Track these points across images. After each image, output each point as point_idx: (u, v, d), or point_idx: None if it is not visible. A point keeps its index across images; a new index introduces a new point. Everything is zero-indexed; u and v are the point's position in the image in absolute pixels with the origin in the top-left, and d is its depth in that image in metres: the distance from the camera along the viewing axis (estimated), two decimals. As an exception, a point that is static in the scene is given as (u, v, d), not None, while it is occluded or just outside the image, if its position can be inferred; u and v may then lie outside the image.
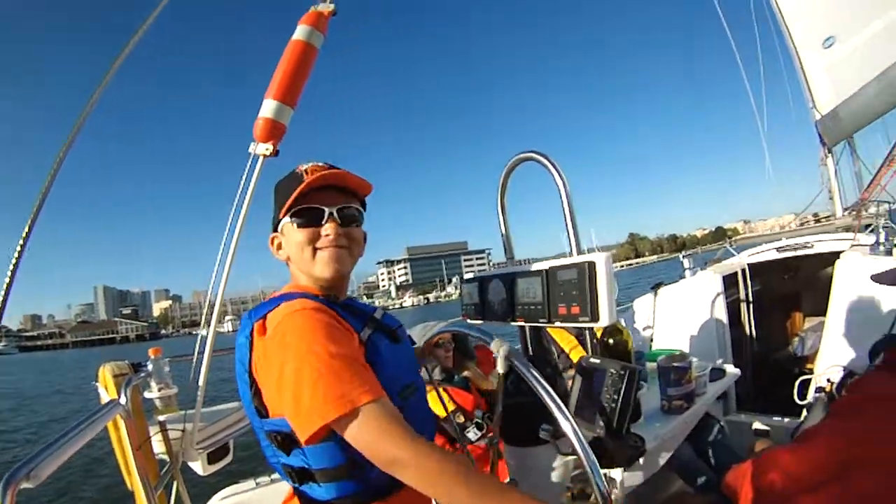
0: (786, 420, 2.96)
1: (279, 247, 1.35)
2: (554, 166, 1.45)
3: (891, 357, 1.62)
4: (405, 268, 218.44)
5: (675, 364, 1.86)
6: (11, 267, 1.41)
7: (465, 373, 2.56)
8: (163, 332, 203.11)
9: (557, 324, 1.37)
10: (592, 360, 1.38)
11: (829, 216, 5.32)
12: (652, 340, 3.73)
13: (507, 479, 1.60)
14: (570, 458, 1.46)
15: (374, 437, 0.99)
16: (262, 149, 1.97)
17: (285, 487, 1.28)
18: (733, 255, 4.49)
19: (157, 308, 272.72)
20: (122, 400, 1.95)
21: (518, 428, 1.48)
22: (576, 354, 2.48)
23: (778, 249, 4.04)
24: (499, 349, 1.21)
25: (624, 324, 3.89)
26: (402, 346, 1.37)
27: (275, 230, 1.36)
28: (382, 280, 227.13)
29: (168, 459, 2.21)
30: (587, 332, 1.56)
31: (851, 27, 4.16)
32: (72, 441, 1.38)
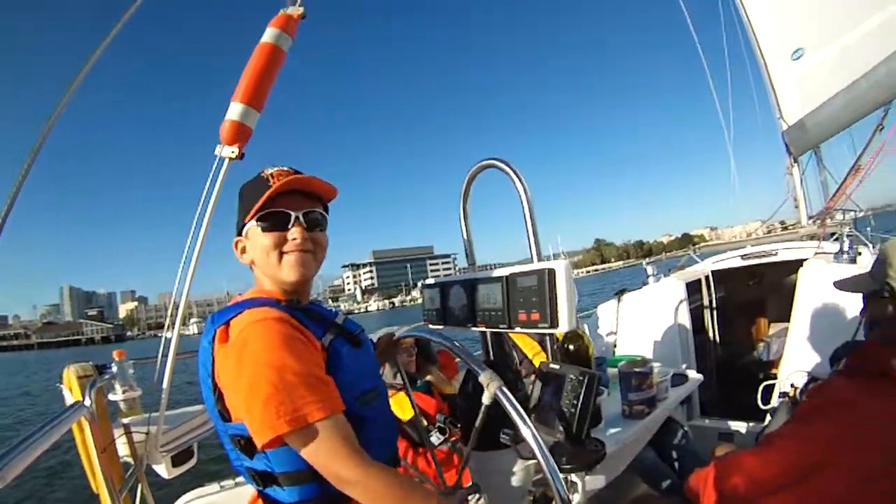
0: (750, 424, 3.00)
1: (243, 250, 1.35)
2: (515, 173, 1.46)
3: (852, 363, 1.64)
4: (371, 271, 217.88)
5: (635, 369, 1.88)
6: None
7: (428, 377, 2.56)
8: (128, 334, 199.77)
9: (518, 330, 1.38)
10: (552, 365, 1.39)
11: (795, 224, 5.41)
12: (615, 346, 3.74)
13: (470, 484, 1.61)
14: (532, 462, 1.47)
15: (322, 454, 1.05)
16: (228, 151, 1.95)
17: (250, 491, 1.29)
18: (697, 263, 4.54)
19: (124, 309, 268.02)
20: (87, 402, 1.94)
21: (481, 432, 1.49)
22: (538, 360, 2.50)
23: (742, 257, 4.08)
24: (489, 383, 1.20)
25: (588, 329, 3.93)
26: (364, 351, 1.37)
27: (239, 234, 1.34)
28: (348, 283, 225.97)
29: (133, 462, 2.18)
30: (548, 338, 1.57)
31: (820, 41, 4.24)
32: (36, 443, 1.37)
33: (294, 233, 1.28)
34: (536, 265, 1.32)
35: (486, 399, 1.21)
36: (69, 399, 2.04)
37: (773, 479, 1.43)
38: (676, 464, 2.35)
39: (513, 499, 1.56)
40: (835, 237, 3.86)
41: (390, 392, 1.64)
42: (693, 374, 2.36)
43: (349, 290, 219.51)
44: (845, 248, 3.03)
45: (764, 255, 3.94)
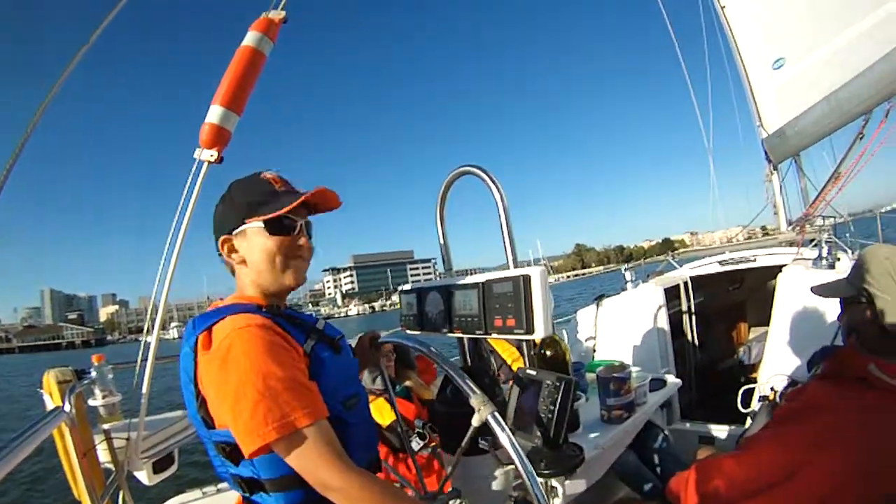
0: (731, 428, 3.02)
1: (232, 249, 1.31)
2: (492, 180, 1.47)
3: (829, 368, 1.67)
4: (351, 276, 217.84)
5: (614, 375, 1.89)
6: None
7: (407, 382, 2.56)
8: (109, 338, 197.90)
9: (494, 335, 1.39)
10: (529, 371, 1.40)
11: (775, 229, 5.46)
12: (595, 351, 3.76)
13: (450, 489, 1.61)
14: (512, 467, 1.48)
15: (308, 461, 1.05)
16: (207, 155, 1.93)
17: (232, 497, 1.29)
18: (676, 268, 4.57)
19: (104, 313, 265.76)
20: (67, 407, 1.92)
21: (459, 437, 1.49)
22: (517, 366, 2.51)
23: (720, 263, 4.12)
24: (480, 406, 1.21)
25: (567, 335, 3.93)
26: (344, 356, 1.38)
27: (228, 232, 1.31)
28: (328, 288, 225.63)
29: (114, 468, 2.16)
30: (524, 343, 1.58)
31: (801, 50, 4.27)
32: (17, 449, 1.37)
33: (301, 241, 1.33)
34: (512, 271, 1.33)
35: (475, 421, 1.22)
36: (49, 404, 2.02)
37: (753, 481, 1.45)
38: (658, 467, 2.37)
39: (494, 503, 1.56)
40: (814, 243, 3.90)
41: (370, 397, 1.64)
42: (671, 379, 2.38)
43: (329, 294, 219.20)
44: (824, 253, 3.06)
45: (742, 262, 3.99)
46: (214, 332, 1.16)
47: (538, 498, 1.11)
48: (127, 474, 2.20)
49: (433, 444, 2.16)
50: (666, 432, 2.50)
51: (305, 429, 1.05)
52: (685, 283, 4.04)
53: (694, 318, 4.07)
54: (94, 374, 2.26)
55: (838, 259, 3.11)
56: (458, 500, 1.57)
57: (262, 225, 1.27)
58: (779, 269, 3.10)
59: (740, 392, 2.66)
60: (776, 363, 2.74)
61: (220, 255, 1.34)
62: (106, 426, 2.18)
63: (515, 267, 1.42)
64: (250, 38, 2.06)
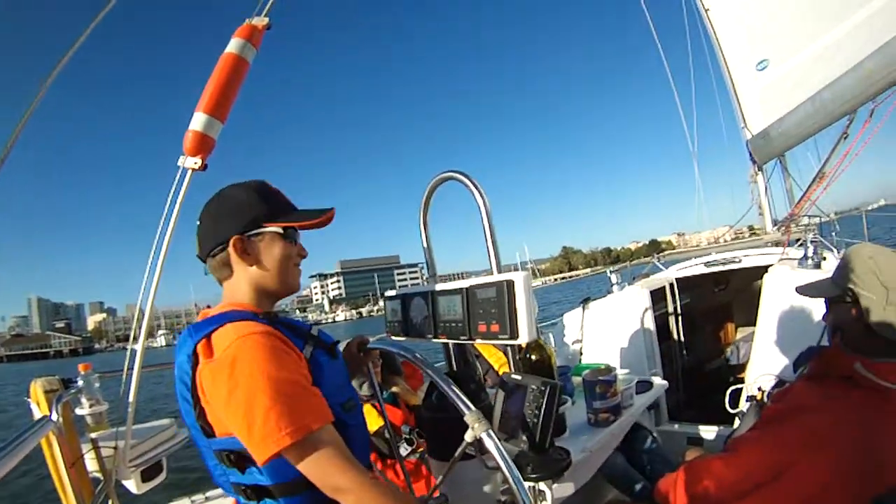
0: (719, 428, 3.04)
1: (244, 251, 1.31)
2: (474, 185, 1.47)
3: (815, 368, 1.67)
4: (338, 281, 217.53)
5: (600, 378, 1.90)
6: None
7: (394, 388, 2.56)
8: (96, 346, 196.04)
9: (479, 341, 1.40)
10: (514, 376, 1.40)
11: (761, 229, 5.49)
12: (581, 354, 3.76)
13: (438, 495, 1.60)
14: (498, 472, 1.48)
15: (319, 465, 1.05)
16: (191, 162, 1.93)
17: None
18: (661, 270, 4.58)
19: (92, 321, 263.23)
20: (54, 416, 1.92)
21: (445, 443, 1.49)
22: (504, 371, 2.51)
23: (706, 264, 4.14)
24: (475, 423, 1.21)
25: (553, 338, 3.93)
26: (339, 361, 1.41)
27: (241, 233, 1.31)
28: (316, 294, 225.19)
29: (102, 478, 2.14)
30: (509, 348, 1.58)
31: (785, 52, 4.31)
32: (5, 459, 1.36)
33: (302, 249, 1.41)
34: (495, 277, 1.34)
35: (468, 437, 1.21)
36: (37, 413, 2.01)
37: (741, 482, 1.46)
38: (646, 469, 2.37)
39: (483, 507, 1.56)
40: (799, 243, 3.92)
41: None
42: (658, 381, 2.39)
43: (317, 300, 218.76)
44: (809, 253, 3.08)
45: (728, 263, 4.01)
46: (215, 340, 1.15)
47: (524, 501, 1.12)
48: (115, 483, 2.18)
49: (421, 449, 2.16)
50: (654, 434, 2.51)
51: (317, 433, 1.06)
52: (671, 285, 4.06)
53: (680, 319, 4.09)
54: (80, 382, 2.24)
55: (824, 258, 3.12)
56: None
57: (281, 231, 1.33)
58: (764, 269, 3.11)
59: (728, 393, 2.67)
60: (763, 363, 2.75)
61: (210, 256, 1.33)
62: (93, 435, 2.17)
63: (499, 272, 1.43)
64: (233, 45, 2.05)
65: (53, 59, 1.86)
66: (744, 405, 2.61)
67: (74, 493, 1.89)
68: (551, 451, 1.35)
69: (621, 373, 2.11)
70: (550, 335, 4.04)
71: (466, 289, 1.40)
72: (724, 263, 4.02)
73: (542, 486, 1.54)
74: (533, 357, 1.69)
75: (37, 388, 2.07)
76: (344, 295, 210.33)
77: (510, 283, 1.26)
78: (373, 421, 2.34)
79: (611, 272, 4.29)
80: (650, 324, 3.59)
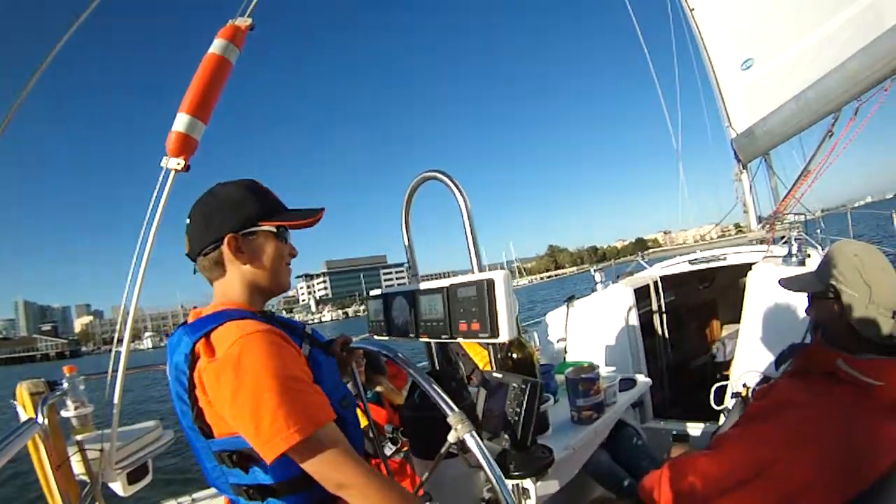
0: (705, 425, 3.05)
1: (238, 249, 1.30)
2: (455, 185, 1.48)
3: (798, 364, 1.68)
4: (324, 282, 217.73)
5: (582, 376, 1.90)
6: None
7: (378, 388, 2.56)
8: (83, 349, 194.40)
9: (460, 340, 1.40)
10: (495, 374, 1.41)
11: (747, 226, 5.53)
12: (566, 353, 3.77)
13: (422, 494, 1.61)
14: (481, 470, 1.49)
15: (325, 461, 1.06)
16: (174, 163, 1.91)
17: None
18: (646, 268, 4.60)
19: (79, 324, 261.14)
20: (39, 419, 1.92)
21: (428, 442, 1.49)
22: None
23: (690, 262, 4.16)
24: (458, 424, 1.21)
25: (538, 336, 3.94)
26: (333, 360, 1.41)
27: (236, 231, 1.30)
28: (302, 294, 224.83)
29: (88, 480, 2.14)
30: (491, 347, 1.59)
31: (769, 51, 4.34)
32: None
33: (292, 249, 1.41)
34: (476, 276, 1.34)
35: (451, 438, 1.21)
36: (23, 416, 2.01)
37: (725, 479, 1.46)
38: (632, 466, 2.38)
39: (466, 506, 1.57)
40: (784, 240, 3.94)
41: None
42: (641, 378, 2.40)
43: (303, 300, 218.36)
44: (794, 250, 3.10)
45: (712, 260, 4.03)
46: (215, 339, 1.14)
47: (507, 501, 1.12)
48: (102, 486, 2.18)
49: (405, 448, 2.17)
50: (639, 431, 2.52)
51: (323, 430, 1.06)
52: (655, 283, 4.07)
53: (665, 317, 4.10)
54: (65, 385, 2.25)
55: (808, 256, 3.14)
56: None
57: (275, 230, 1.34)
58: (749, 266, 3.12)
59: (713, 389, 2.68)
60: (747, 360, 2.77)
61: (202, 254, 1.32)
62: (79, 437, 2.16)
63: (480, 271, 1.43)
64: (216, 45, 2.04)
65: (34, 62, 1.85)
66: (729, 402, 2.62)
67: (61, 496, 1.89)
68: (534, 449, 1.36)
69: (605, 370, 2.11)
70: (535, 334, 4.07)
71: (447, 288, 1.41)
72: (708, 261, 4.04)
73: (525, 483, 1.54)
74: (515, 355, 1.69)
75: (22, 391, 2.06)
76: (330, 295, 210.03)
77: (490, 282, 1.27)
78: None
79: (595, 270, 4.30)
80: (634, 321, 3.60)
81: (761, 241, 4.48)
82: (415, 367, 1.41)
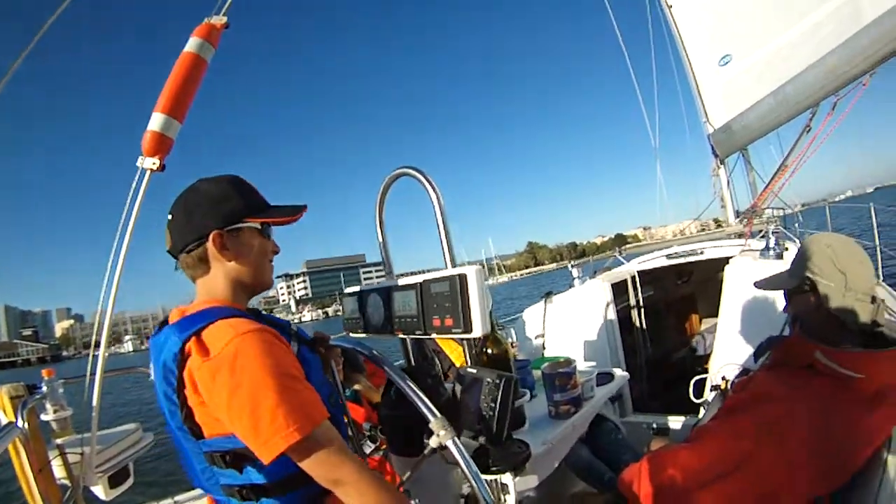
0: (685, 418, 3.08)
1: (223, 246, 1.28)
2: (428, 181, 1.48)
3: (776, 356, 1.70)
4: (304, 281, 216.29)
5: (559, 370, 1.90)
6: None
7: (356, 386, 2.55)
8: (64, 353, 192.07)
9: (434, 335, 1.41)
10: (469, 370, 1.41)
11: (726, 221, 5.58)
12: (544, 348, 3.78)
13: (402, 492, 1.61)
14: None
15: (322, 459, 1.06)
16: (150, 163, 1.90)
17: None
18: (623, 264, 4.62)
19: (59, 328, 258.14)
20: (20, 423, 1.90)
21: (406, 439, 1.50)
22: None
23: (668, 257, 4.17)
24: (440, 430, 1.21)
25: (515, 333, 3.94)
26: (318, 357, 1.40)
27: (221, 227, 1.28)
28: (282, 294, 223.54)
29: (70, 484, 2.12)
30: (465, 342, 1.59)
31: (747, 47, 4.38)
32: None
33: (275, 245, 1.39)
34: (449, 271, 1.35)
35: (433, 443, 1.22)
36: (3, 420, 1.99)
37: (705, 471, 1.47)
38: (612, 460, 2.39)
39: (446, 502, 1.58)
40: (761, 234, 3.98)
41: None
42: (619, 372, 2.41)
43: (283, 301, 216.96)
44: (771, 244, 3.12)
45: (689, 255, 4.05)
46: (207, 338, 1.12)
47: (483, 496, 1.13)
48: (83, 490, 2.16)
49: (384, 446, 2.17)
50: (618, 425, 2.53)
51: (319, 428, 1.06)
52: (633, 278, 4.10)
53: (643, 311, 4.12)
54: (44, 388, 2.22)
55: (786, 249, 3.16)
56: (411, 502, 1.58)
57: (259, 227, 1.33)
58: (726, 260, 3.15)
59: (692, 383, 2.70)
60: (726, 353, 2.80)
61: (185, 251, 1.29)
62: (59, 441, 2.14)
63: (453, 267, 1.43)
64: (192, 44, 2.03)
65: (5, 62, 1.83)
66: (709, 395, 2.64)
67: (43, 500, 1.87)
68: (510, 444, 1.36)
69: (583, 365, 2.12)
70: (512, 330, 4.07)
71: (420, 284, 1.42)
72: (685, 256, 4.06)
73: (504, 479, 1.55)
74: (490, 351, 1.70)
75: (2, 395, 2.03)
76: (310, 295, 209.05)
77: (463, 277, 1.27)
78: None
79: (572, 266, 4.32)
80: (612, 316, 3.62)
81: (739, 236, 4.52)
82: (391, 365, 1.42)
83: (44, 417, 2.20)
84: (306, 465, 1.06)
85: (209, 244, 1.26)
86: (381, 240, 1.83)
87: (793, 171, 4.46)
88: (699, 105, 5.00)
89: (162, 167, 1.93)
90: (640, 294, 4.12)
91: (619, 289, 3.84)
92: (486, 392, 1.30)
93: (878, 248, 3.84)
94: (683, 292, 4.86)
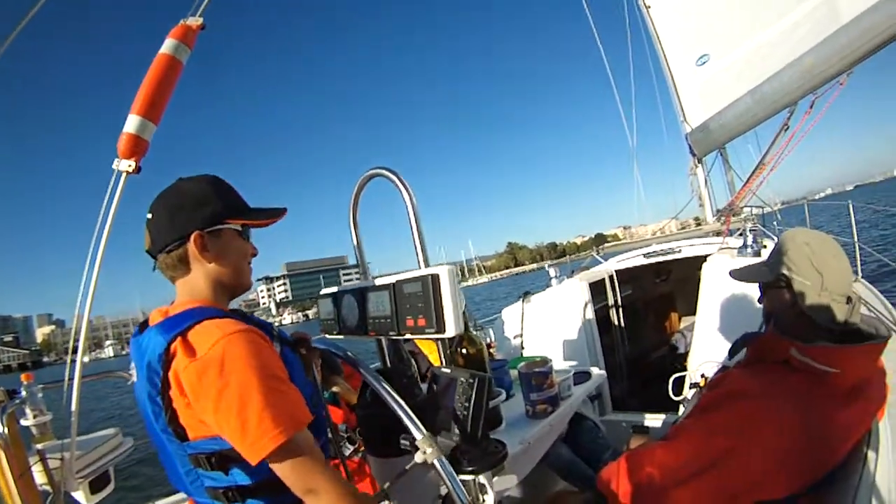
0: (665, 416, 3.10)
1: (204, 247, 1.27)
2: (401, 181, 1.48)
3: (751, 353, 1.70)
4: (284, 284, 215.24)
5: (535, 370, 1.91)
6: None
7: (335, 388, 2.55)
8: (45, 359, 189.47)
9: (407, 336, 1.41)
10: (443, 370, 1.41)
11: (705, 219, 5.62)
12: (523, 348, 3.80)
13: (379, 492, 1.61)
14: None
15: (299, 465, 1.06)
16: (125, 165, 1.89)
17: None
18: (601, 263, 4.63)
19: (40, 334, 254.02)
20: (0, 428, 1.87)
21: (382, 439, 1.50)
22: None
23: (645, 255, 4.19)
24: (427, 448, 1.22)
25: (493, 333, 3.95)
26: (299, 358, 1.41)
27: (201, 228, 1.27)
28: (262, 297, 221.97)
29: (51, 490, 2.10)
30: (440, 342, 1.60)
31: (724, 47, 4.42)
32: None
33: (253, 247, 1.40)
34: (421, 271, 1.35)
35: (418, 458, 1.23)
36: (-18, 426, 1.97)
37: (682, 469, 1.46)
38: (592, 459, 2.40)
39: (423, 503, 1.58)
40: (739, 232, 4.02)
41: None
42: (596, 371, 2.42)
43: (264, 303, 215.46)
44: (749, 241, 3.14)
45: (667, 253, 4.07)
46: (194, 339, 1.11)
47: (458, 495, 1.14)
48: (65, 495, 2.15)
49: (362, 448, 2.17)
50: (597, 423, 2.55)
51: (301, 434, 1.06)
52: (611, 277, 4.11)
53: (622, 310, 4.14)
54: (23, 393, 2.20)
55: (764, 246, 3.19)
56: (387, 503, 1.58)
57: (240, 228, 1.34)
58: (704, 258, 3.17)
59: (671, 380, 2.72)
60: (704, 351, 2.81)
61: (165, 251, 1.28)
62: (39, 446, 2.12)
63: (426, 266, 1.44)
64: (167, 45, 2.02)
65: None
66: (688, 392, 2.66)
67: (24, 506, 1.86)
68: (485, 444, 1.36)
69: (561, 365, 2.13)
70: (490, 330, 4.09)
71: (393, 284, 1.42)
72: (663, 254, 4.08)
73: (482, 479, 1.56)
74: (466, 351, 1.71)
75: (-19, 401, 2.02)
76: (291, 297, 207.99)
77: (435, 277, 1.28)
78: None
79: (549, 266, 4.34)
80: (590, 315, 3.63)
81: (717, 234, 4.56)
82: (367, 369, 1.42)
83: (24, 423, 2.18)
84: (283, 471, 1.06)
85: (190, 245, 1.26)
86: (355, 241, 1.83)
87: (770, 169, 4.50)
88: (676, 104, 5.04)
89: (138, 169, 1.92)
90: (618, 293, 4.14)
91: (596, 288, 3.86)
92: (461, 392, 1.30)
93: (856, 245, 3.89)
94: (662, 291, 4.89)
